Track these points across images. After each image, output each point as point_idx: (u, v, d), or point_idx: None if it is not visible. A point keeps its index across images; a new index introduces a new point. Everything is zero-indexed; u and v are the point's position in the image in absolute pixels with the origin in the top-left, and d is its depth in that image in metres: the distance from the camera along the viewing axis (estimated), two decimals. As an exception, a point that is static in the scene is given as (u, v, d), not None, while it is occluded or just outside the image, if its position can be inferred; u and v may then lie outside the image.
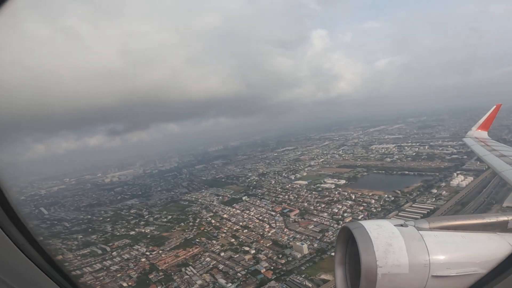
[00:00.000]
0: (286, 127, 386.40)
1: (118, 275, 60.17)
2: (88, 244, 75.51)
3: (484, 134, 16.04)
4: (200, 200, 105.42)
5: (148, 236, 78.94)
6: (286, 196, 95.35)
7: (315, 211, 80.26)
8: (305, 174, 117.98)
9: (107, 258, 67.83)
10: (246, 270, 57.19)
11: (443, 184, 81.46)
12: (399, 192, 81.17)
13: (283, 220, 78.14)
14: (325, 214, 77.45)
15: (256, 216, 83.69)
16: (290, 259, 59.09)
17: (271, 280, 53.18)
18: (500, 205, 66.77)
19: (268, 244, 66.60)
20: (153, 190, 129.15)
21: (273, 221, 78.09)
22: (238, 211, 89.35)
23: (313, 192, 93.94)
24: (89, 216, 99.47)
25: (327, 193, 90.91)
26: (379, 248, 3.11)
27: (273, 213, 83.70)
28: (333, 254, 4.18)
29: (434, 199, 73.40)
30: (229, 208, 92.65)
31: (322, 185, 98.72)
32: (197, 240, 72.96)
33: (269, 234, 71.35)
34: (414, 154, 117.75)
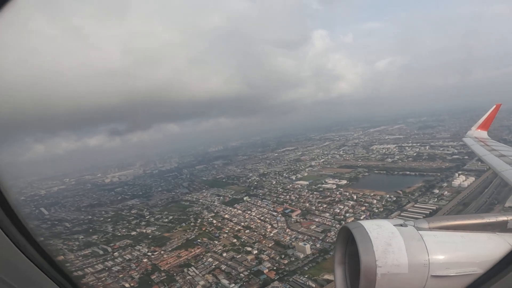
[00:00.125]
0: (286, 127, 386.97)
1: (120, 275, 59.88)
2: (90, 244, 75.20)
3: (484, 134, 16.10)
4: (201, 200, 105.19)
5: (150, 236, 78.66)
6: (288, 197, 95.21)
7: (316, 212, 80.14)
8: (306, 174, 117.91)
9: (108, 258, 67.51)
10: (248, 271, 56.98)
11: (445, 184, 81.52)
12: (400, 192, 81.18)
13: (285, 221, 77.98)
14: (327, 214, 77.34)
15: (257, 216, 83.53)
16: (293, 259, 58.95)
17: (274, 280, 53.01)
18: (502, 205, 66.82)
19: (270, 245, 66.42)
20: (153, 190, 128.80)
21: (275, 222, 77.93)
22: (240, 212, 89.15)
23: (315, 193, 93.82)
24: (90, 217, 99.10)
25: (328, 194, 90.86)
26: (378, 248, 3.10)
27: (275, 213, 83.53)
28: (335, 254, 4.02)
29: (436, 199, 73.43)
30: (230, 208, 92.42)
31: (323, 185, 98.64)
32: (198, 240, 72.71)
33: (271, 234, 71.18)
34: (415, 154, 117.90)
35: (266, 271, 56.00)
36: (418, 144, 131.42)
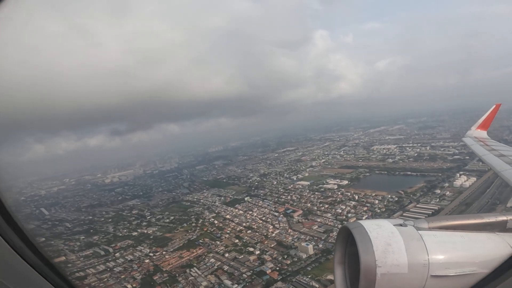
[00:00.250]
0: (286, 127, 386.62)
1: (122, 276, 59.60)
2: (91, 245, 74.88)
3: (483, 133, 16.11)
4: (202, 200, 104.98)
5: (151, 237, 78.40)
6: (289, 197, 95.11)
7: (318, 212, 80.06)
8: (307, 174, 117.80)
9: (110, 259, 67.22)
10: (251, 271, 56.84)
11: (446, 184, 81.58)
12: (402, 192, 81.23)
13: (286, 221, 77.87)
14: (329, 214, 77.29)
15: (259, 216, 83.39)
16: (296, 259, 58.85)
17: (277, 281, 52.87)
18: (504, 205, 67.00)
19: (272, 245, 66.29)
20: (154, 190, 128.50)
21: (277, 222, 77.80)
22: (241, 212, 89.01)
23: (316, 193, 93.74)
24: (91, 217, 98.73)
25: (330, 194, 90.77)
26: (378, 248, 3.10)
27: (276, 213, 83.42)
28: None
29: (438, 200, 73.48)
30: (231, 208, 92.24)
31: (324, 185, 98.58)
32: (200, 241, 72.51)
33: (273, 234, 71.07)
34: (415, 154, 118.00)
35: (269, 271, 55.85)
36: (419, 145, 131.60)
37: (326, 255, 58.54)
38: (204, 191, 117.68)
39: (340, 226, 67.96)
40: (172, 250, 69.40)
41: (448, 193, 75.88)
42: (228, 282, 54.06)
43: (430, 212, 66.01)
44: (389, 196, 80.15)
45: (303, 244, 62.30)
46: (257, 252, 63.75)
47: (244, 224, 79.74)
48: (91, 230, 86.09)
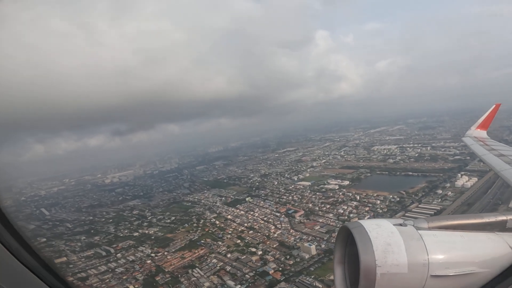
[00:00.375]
0: (286, 128, 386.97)
1: (124, 277, 59.29)
2: (92, 245, 74.54)
3: (483, 133, 16.05)
4: (203, 201, 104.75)
5: (152, 237, 78.09)
6: (290, 197, 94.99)
7: (320, 212, 79.97)
8: (307, 175, 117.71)
9: (111, 260, 66.92)
10: (254, 272, 56.62)
11: (448, 184, 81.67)
12: (404, 193, 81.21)
13: (288, 221, 77.71)
14: (331, 215, 77.21)
15: (260, 217, 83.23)
16: (298, 260, 58.67)
17: (280, 281, 52.69)
18: (506, 206, 67.05)
19: (274, 245, 66.12)
20: (154, 191, 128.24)
21: (278, 222, 77.64)
22: (242, 212, 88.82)
23: (317, 193, 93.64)
24: (91, 217, 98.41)
25: (331, 194, 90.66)
26: (378, 247, 3.07)
27: (278, 214, 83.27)
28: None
29: (440, 200, 73.48)
30: (232, 209, 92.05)
31: (325, 186, 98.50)
32: (202, 241, 72.27)
33: (275, 235, 70.89)
34: (416, 155, 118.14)
35: (271, 272, 55.67)
36: (420, 145, 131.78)
37: (329, 255, 58.37)
38: (205, 191, 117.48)
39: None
40: (173, 250, 69.14)
41: (450, 193, 75.93)
42: (231, 283, 53.87)
43: (433, 212, 65.98)
44: (391, 196, 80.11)
45: (306, 244, 62.15)
46: (260, 253, 63.57)
47: (245, 224, 79.55)
48: (92, 231, 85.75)
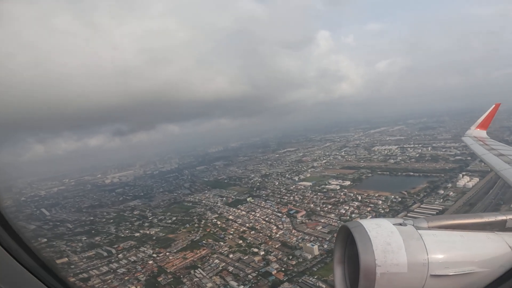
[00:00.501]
0: (286, 128, 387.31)
1: (126, 278, 59.01)
2: (93, 246, 74.20)
3: (483, 133, 16.10)
4: (203, 201, 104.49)
5: (154, 237, 77.80)
6: (291, 197, 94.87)
7: (322, 212, 79.86)
8: (308, 175, 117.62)
9: (113, 260, 66.60)
10: (256, 272, 56.44)
11: (450, 185, 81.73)
12: (405, 193, 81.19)
13: (290, 221, 77.54)
14: (332, 215, 77.10)
15: (262, 217, 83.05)
16: (301, 260, 58.51)
17: (283, 281, 52.52)
18: (508, 206, 67.16)
19: (277, 246, 65.95)
20: (155, 191, 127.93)
21: (280, 223, 77.48)
22: (244, 213, 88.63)
23: (318, 193, 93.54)
24: (92, 218, 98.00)
25: (332, 194, 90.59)
26: (378, 247, 3.09)
27: (279, 214, 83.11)
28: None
29: (441, 200, 73.49)
30: (234, 209, 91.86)
31: (327, 186, 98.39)
32: (204, 241, 72.04)
33: (277, 235, 70.72)
34: (417, 155, 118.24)
35: (274, 272, 55.48)
36: (420, 145, 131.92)
37: (331, 255, 58.09)
38: (206, 191, 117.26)
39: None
40: (175, 251, 68.88)
41: (451, 193, 75.97)
42: (234, 283, 53.67)
43: (435, 213, 65.85)
44: (393, 196, 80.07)
45: (308, 244, 62.00)
46: (262, 253, 63.38)
47: (247, 224, 79.36)
48: (93, 231, 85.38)
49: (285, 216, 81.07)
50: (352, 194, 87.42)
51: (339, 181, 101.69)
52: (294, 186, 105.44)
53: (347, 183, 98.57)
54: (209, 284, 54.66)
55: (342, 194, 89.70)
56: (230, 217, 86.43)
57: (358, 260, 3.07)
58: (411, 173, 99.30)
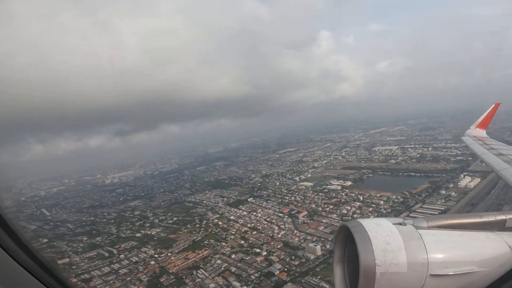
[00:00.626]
0: (286, 128, 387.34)
1: (128, 278, 58.74)
2: (94, 246, 73.87)
3: (482, 132, 16.12)
4: (204, 201, 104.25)
5: (155, 238, 77.55)
6: (293, 198, 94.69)
7: (323, 213, 79.75)
8: (309, 175, 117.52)
9: (114, 261, 66.27)
10: (259, 272, 56.25)
11: (451, 185, 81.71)
12: (407, 193, 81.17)
13: (291, 222, 77.40)
14: (334, 215, 77.01)
15: (263, 217, 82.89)
16: (303, 260, 58.34)
17: (286, 282, 52.35)
18: (510, 206, 67.25)
19: (279, 246, 65.80)
20: (155, 191, 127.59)
21: (282, 223, 77.36)
22: (245, 213, 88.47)
23: (320, 194, 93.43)
24: (92, 218, 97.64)
25: (334, 195, 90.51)
26: (377, 247, 3.09)
27: (281, 214, 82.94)
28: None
29: (443, 200, 73.49)
30: (235, 209, 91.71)
31: (328, 186, 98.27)
32: (205, 242, 71.82)
33: (279, 235, 70.55)
34: (418, 155, 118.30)
35: (277, 272, 55.34)
36: (421, 146, 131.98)
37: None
38: (206, 192, 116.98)
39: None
40: (177, 251, 68.62)
41: (453, 193, 75.97)
42: (236, 284, 53.51)
43: (437, 213, 65.83)
44: (394, 197, 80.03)
45: (311, 245, 61.87)
46: (264, 253, 63.21)
47: (248, 225, 79.18)
48: (94, 231, 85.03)
49: (286, 216, 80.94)
50: (353, 195, 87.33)
51: (340, 181, 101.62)
52: (295, 187, 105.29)
53: (348, 183, 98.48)
54: (212, 285, 54.45)
55: (343, 194, 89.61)
56: (232, 217, 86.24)
57: (357, 260, 3.06)
58: (412, 174, 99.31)
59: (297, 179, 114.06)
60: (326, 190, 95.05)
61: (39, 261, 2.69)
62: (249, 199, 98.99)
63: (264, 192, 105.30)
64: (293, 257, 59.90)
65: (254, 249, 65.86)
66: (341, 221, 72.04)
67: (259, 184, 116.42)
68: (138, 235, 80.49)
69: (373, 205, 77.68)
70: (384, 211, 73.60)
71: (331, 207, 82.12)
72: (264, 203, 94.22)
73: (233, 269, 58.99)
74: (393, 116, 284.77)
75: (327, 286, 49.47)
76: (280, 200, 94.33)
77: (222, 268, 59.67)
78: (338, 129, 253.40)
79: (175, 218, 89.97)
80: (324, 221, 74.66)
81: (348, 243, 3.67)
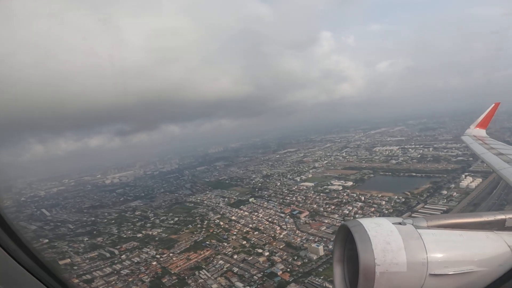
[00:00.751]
0: (286, 128, 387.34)
1: (130, 279, 58.48)
2: (95, 247, 73.55)
3: (482, 132, 16.15)
4: (205, 202, 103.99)
5: (156, 238, 77.28)
6: (294, 198, 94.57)
7: (325, 213, 79.69)
8: (310, 176, 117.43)
9: (116, 261, 65.96)
10: (262, 273, 56.08)
11: (453, 185, 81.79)
12: (408, 193, 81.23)
13: (293, 222, 77.30)
14: (336, 215, 76.99)
15: (265, 218, 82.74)
16: (306, 260, 58.22)
17: (289, 282, 52.23)
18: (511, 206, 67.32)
19: (281, 246, 65.64)
20: (156, 191, 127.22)
21: (283, 223, 77.23)
22: (246, 213, 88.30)
23: (321, 194, 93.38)
24: (93, 218, 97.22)
25: (335, 195, 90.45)
26: (377, 246, 3.09)
27: (283, 214, 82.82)
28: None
29: (445, 200, 73.56)
30: (236, 210, 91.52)
31: (329, 186, 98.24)
32: (207, 242, 71.63)
33: (281, 236, 70.40)
34: (419, 156, 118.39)
35: (280, 273, 55.19)
36: (421, 146, 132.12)
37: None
38: (207, 192, 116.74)
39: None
40: (179, 252, 68.39)
41: (455, 194, 76.06)
42: (239, 284, 53.35)
43: (439, 213, 65.89)
44: (396, 197, 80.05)
45: (313, 245, 61.72)
46: (266, 254, 63.03)
47: (250, 225, 79.01)
48: (95, 232, 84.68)
49: (288, 216, 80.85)
50: (355, 195, 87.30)
51: (341, 181, 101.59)
52: (296, 187, 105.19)
53: (350, 183, 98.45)
54: (214, 285, 54.30)
55: (345, 194, 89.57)
56: (233, 217, 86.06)
57: (357, 259, 3.06)
58: (413, 174, 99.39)
59: (298, 180, 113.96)
60: (327, 191, 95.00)
61: (39, 261, 2.68)
62: (250, 200, 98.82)
63: (265, 192, 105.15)
64: (295, 258, 59.78)
65: (256, 249, 65.67)
66: (342, 221, 71.82)
67: (260, 184, 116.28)
68: (139, 235, 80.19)
69: (375, 206, 77.65)
70: (386, 211, 73.59)
71: (333, 207, 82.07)
72: (266, 203, 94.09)
73: (235, 269, 58.81)
74: (393, 117, 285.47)
75: (330, 286, 49.31)
76: (281, 200, 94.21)
77: (225, 269, 59.48)
78: (338, 130, 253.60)
79: (176, 219, 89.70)
80: (326, 221, 74.58)
81: (348, 243, 3.66)
